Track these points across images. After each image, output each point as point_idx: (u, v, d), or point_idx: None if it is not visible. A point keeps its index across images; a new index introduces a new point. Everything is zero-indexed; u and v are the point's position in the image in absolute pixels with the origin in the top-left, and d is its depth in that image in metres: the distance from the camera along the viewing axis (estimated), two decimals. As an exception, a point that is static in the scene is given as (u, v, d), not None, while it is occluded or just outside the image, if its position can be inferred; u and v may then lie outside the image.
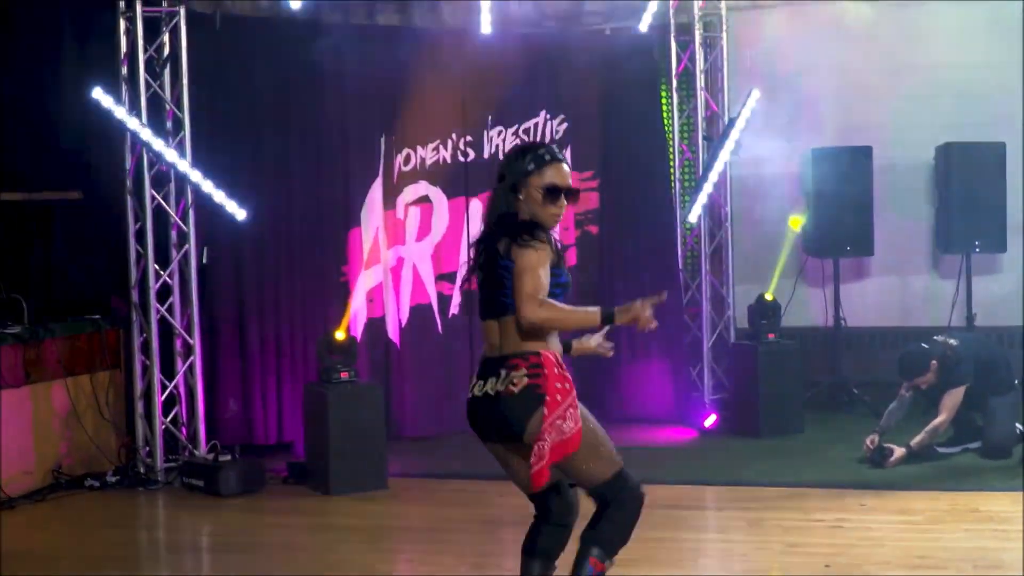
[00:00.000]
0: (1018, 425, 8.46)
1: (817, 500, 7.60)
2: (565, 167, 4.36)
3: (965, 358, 8.38)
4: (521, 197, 4.32)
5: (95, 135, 8.69)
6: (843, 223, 10.05)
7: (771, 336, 9.61)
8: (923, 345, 8.50)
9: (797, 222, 10.10)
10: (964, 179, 9.81)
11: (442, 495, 7.98)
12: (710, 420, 9.78)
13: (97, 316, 8.91)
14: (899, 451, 8.23)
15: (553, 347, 4.34)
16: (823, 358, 10.31)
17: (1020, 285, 10.19)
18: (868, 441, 8.42)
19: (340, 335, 8.30)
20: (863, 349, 10.45)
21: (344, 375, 8.14)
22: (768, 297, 9.77)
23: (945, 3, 10.25)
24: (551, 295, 4.17)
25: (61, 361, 8.54)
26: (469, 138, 9.45)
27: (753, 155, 10.27)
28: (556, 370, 4.25)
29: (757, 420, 9.48)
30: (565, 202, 4.34)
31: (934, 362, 8.33)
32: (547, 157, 4.33)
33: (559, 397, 4.19)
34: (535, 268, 4.09)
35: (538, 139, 9.63)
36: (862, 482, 7.97)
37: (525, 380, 4.20)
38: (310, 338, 8.88)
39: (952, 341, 8.56)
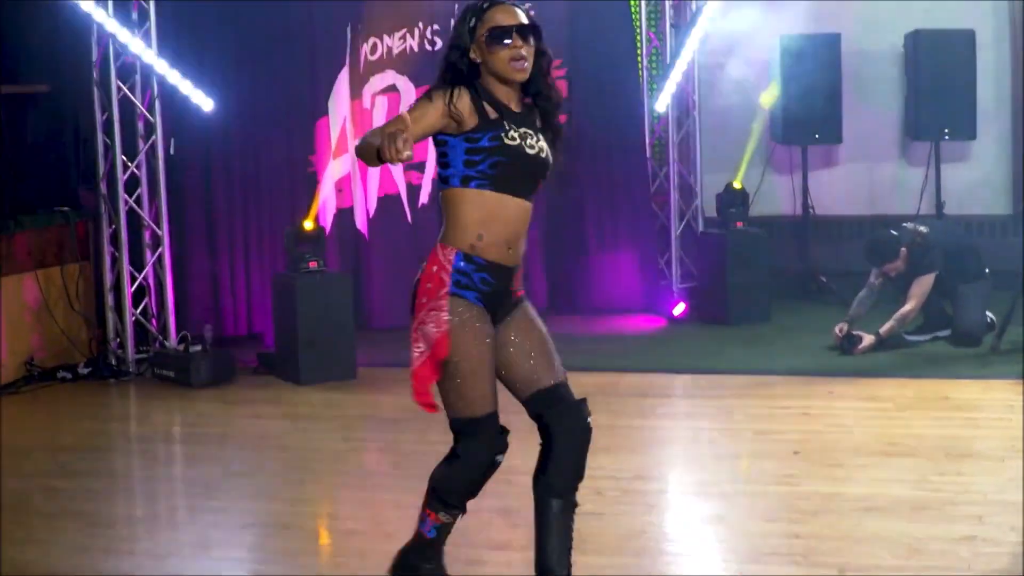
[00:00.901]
0: (988, 313, 8.52)
1: (785, 387, 7.69)
2: (512, 7, 3.76)
3: (934, 245, 8.41)
4: (477, 59, 3.78)
5: (60, 27, 8.59)
6: (811, 110, 10.03)
7: (739, 224, 9.64)
8: (892, 232, 8.54)
9: (769, 99, 10.06)
10: (934, 66, 9.79)
11: (405, 381, 7.94)
12: (679, 309, 9.82)
13: (66, 208, 8.89)
14: (868, 339, 8.30)
15: (471, 240, 3.74)
16: (791, 246, 10.36)
17: (990, 173, 10.21)
18: (837, 329, 8.47)
19: (308, 225, 8.28)
20: (831, 237, 10.48)
21: (312, 265, 8.14)
22: (736, 185, 9.77)
23: None
24: (471, 162, 3.71)
25: (31, 254, 8.54)
26: (436, 27, 9.34)
27: (721, 43, 10.18)
28: (435, 268, 3.77)
29: (725, 308, 9.54)
30: (519, 41, 3.67)
31: (903, 249, 8.36)
32: (486, 4, 3.78)
33: (425, 299, 3.77)
34: (404, 112, 3.60)
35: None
36: (830, 369, 8.06)
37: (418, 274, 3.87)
38: (278, 229, 8.83)
39: (922, 228, 8.59)
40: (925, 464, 6.06)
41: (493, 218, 3.76)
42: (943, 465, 6.03)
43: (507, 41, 3.67)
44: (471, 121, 3.71)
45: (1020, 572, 2.95)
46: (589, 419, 3.91)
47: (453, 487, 3.92)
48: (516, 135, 3.76)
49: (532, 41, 3.74)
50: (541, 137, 3.85)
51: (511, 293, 3.91)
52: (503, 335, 3.89)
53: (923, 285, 8.34)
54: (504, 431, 3.92)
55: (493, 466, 3.93)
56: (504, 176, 3.74)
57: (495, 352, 3.85)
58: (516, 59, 3.68)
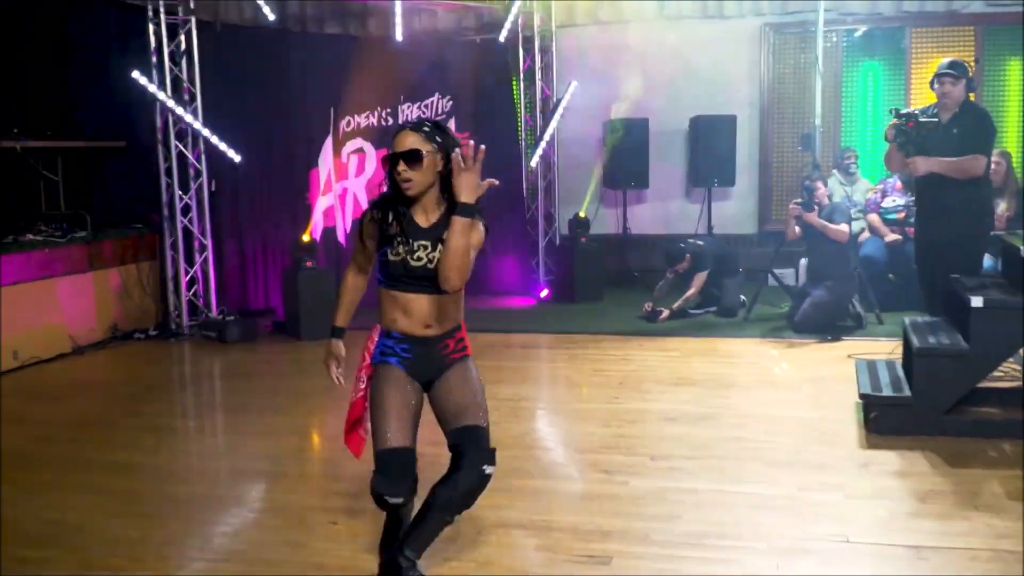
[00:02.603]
0: (741, 296, 8.71)
1: (612, 343, 7.79)
2: (405, 135, 3.18)
3: (708, 253, 8.61)
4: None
5: (133, 101, 8.45)
6: (629, 167, 10.11)
7: (584, 239, 9.73)
8: (681, 244, 8.71)
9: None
10: (708, 139, 9.92)
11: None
12: (544, 292, 9.90)
13: (139, 225, 8.74)
14: (665, 312, 8.44)
15: (388, 322, 3.29)
16: (616, 253, 10.43)
17: (743, 206, 10.44)
18: (645, 306, 8.62)
19: (306, 238, 8.25)
20: (641, 247, 10.57)
21: (308, 264, 8.12)
22: (581, 215, 9.88)
23: (697, 22, 10.29)
24: (383, 265, 3.26)
25: (114, 255, 8.38)
26: (388, 110, 9.33)
27: (571, 123, 10.28)
28: (368, 343, 3.38)
29: (573, 292, 9.62)
30: (403, 166, 3.13)
31: (688, 255, 8.53)
32: (394, 131, 3.27)
33: (358, 368, 3.42)
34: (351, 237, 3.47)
35: (431, 114, 9.52)
36: (640, 331, 8.16)
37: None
38: (285, 239, 8.79)
39: (700, 242, 8.78)
40: (704, 391, 6.22)
41: (402, 308, 3.25)
42: (715, 391, 6.20)
43: (395, 166, 3.16)
44: (378, 240, 3.26)
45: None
46: (489, 469, 3.25)
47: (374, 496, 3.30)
48: (402, 250, 3.20)
49: (423, 160, 3.15)
50: (434, 247, 3.20)
51: (441, 357, 3.34)
52: (438, 387, 3.34)
53: (700, 278, 8.52)
54: (406, 475, 3.26)
55: (383, 503, 3.28)
56: (396, 279, 3.24)
57: (412, 402, 3.30)
58: (401, 180, 3.15)
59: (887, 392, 5.28)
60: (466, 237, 3.07)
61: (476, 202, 3.07)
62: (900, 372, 5.67)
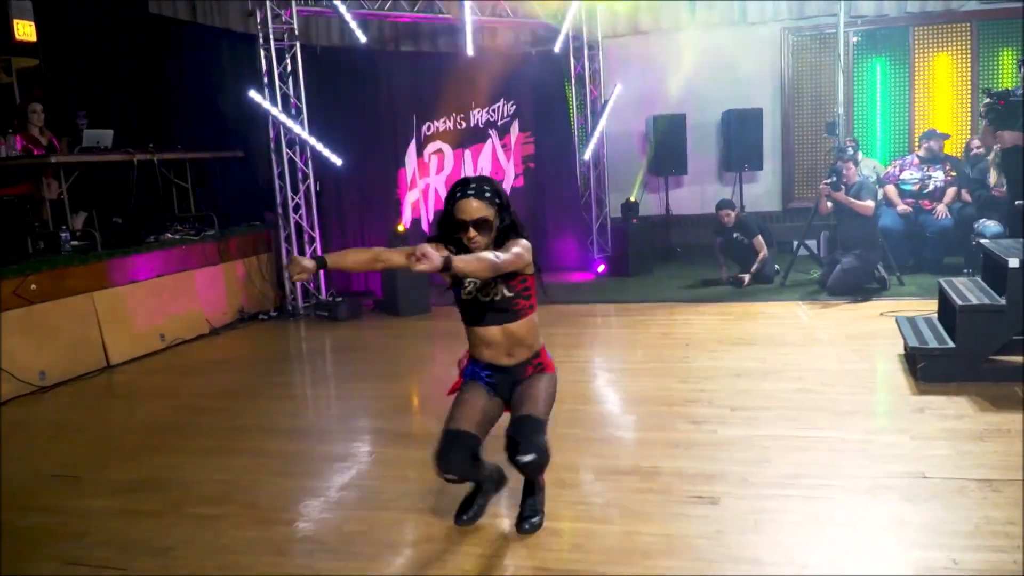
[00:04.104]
0: (776, 266, 8.49)
1: (670, 310, 7.61)
2: (469, 203, 3.00)
3: (753, 221, 8.44)
4: None
5: (248, 118, 8.40)
6: (670, 156, 9.93)
7: (634, 220, 9.55)
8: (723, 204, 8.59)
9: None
10: (738, 129, 9.71)
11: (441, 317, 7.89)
12: (601, 268, 9.73)
13: (257, 223, 8.72)
14: (747, 276, 8.23)
15: (475, 353, 3.24)
16: (661, 231, 10.24)
17: (768, 187, 10.20)
18: (723, 274, 8.44)
19: (400, 228, 8.16)
20: (682, 226, 10.39)
21: (404, 250, 8.00)
22: (632, 199, 9.70)
23: (725, 28, 10.02)
24: (460, 305, 3.20)
25: (239, 249, 8.35)
26: (461, 115, 9.19)
27: (617, 120, 10.07)
28: (461, 363, 3.33)
29: (627, 267, 9.44)
30: (472, 232, 3.00)
31: (734, 210, 8.41)
32: (457, 194, 3.05)
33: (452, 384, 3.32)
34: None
35: (497, 117, 9.40)
36: (692, 299, 7.97)
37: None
38: (379, 229, 8.66)
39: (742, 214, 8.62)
40: (762, 349, 6.05)
41: (481, 340, 3.17)
42: (772, 349, 6.02)
43: (464, 233, 3.01)
44: (450, 279, 3.11)
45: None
46: (526, 458, 2.98)
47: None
48: (472, 289, 3.11)
49: (485, 225, 3.01)
50: (501, 285, 3.09)
51: (518, 377, 3.21)
52: (514, 393, 3.21)
53: (760, 241, 8.30)
54: (463, 455, 3.08)
55: (443, 476, 3.11)
56: (470, 316, 3.17)
57: (486, 406, 3.19)
58: (471, 243, 3.01)
59: (932, 344, 5.08)
60: (472, 264, 2.80)
61: (444, 264, 2.71)
62: (939, 326, 5.46)
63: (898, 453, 3.98)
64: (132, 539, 3.57)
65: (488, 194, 3.04)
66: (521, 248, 3.01)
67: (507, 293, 3.12)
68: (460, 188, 3.05)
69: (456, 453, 3.06)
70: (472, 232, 3.00)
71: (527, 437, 3.01)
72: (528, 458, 2.97)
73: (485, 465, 3.31)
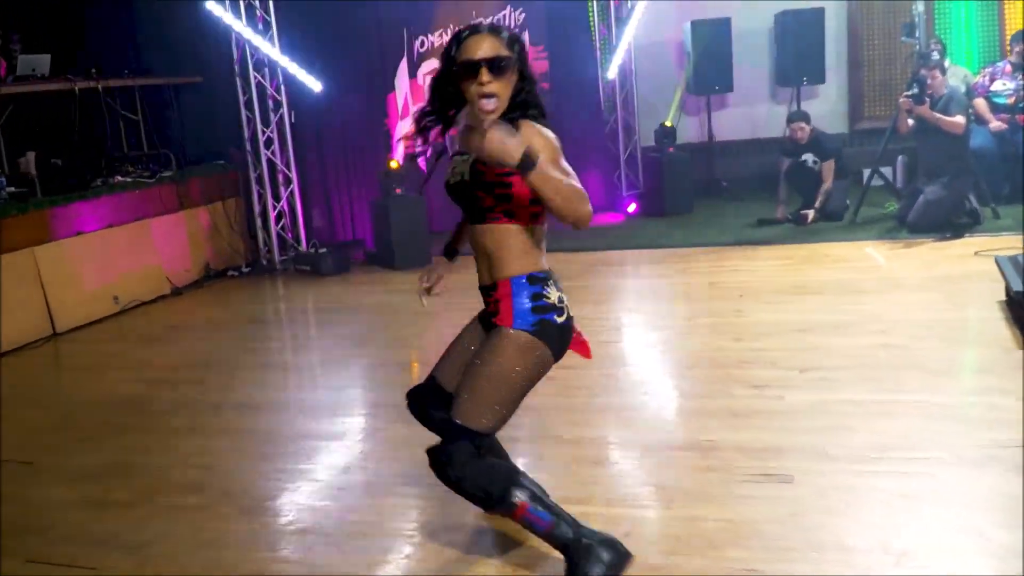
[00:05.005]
0: (846, 201, 8.37)
1: (717, 255, 7.53)
2: (482, 39, 2.61)
3: (830, 140, 8.37)
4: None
5: (207, 34, 8.28)
6: (712, 70, 9.76)
7: (671, 149, 9.43)
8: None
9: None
10: (795, 36, 9.53)
11: (468, 264, 7.82)
12: (631, 207, 9.64)
13: (222, 162, 8.65)
14: (811, 212, 8.15)
15: None
16: (701, 162, 10.10)
17: (834, 105, 10.04)
18: (779, 212, 8.37)
19: (394, 164, 8.06)
20: (727, 155, 10.28)
21: (398, 191, 7.93)
22: (667, 124, 9.57)
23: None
24: None
25: (202, 193, 8.31)
26: (461, 26, 9.01)
27: (649, 29, 9.89)
28: None
29: (663, 205, 9.36)
30: (487, 76, 2.57)
31: (805, 124, 8.30)
32: (465, 32, 2.67)
33: None
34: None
35: (504, 25, 9.25)
36: (742, 241, 7.89)
37: None
38: (367, 167, 8.67)
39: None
40: (831, 298, 5.99)
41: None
42: (843, 298, 5.96)
43: (476, 76, 2.58)
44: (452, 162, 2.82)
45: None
46: (435, 468, 2.71)
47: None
48: (452, 169, 2.77)
49: (508, 69, 2.61)
50: (469, 158, 2.67)
51: (488, 313, 2.82)
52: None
53: (829, 167, 8.23)
54: (418, 399, 3.01)
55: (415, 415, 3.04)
56: (455, 203, 2.82)
57: (467, 344, 2.93)
58: (483, 96, 2.58)
59: (1040, 288, 5.01)
60: (551, 180, 2.40)
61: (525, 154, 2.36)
62: (1047, 266, 5.39)
63: (1003, 417, 3.92)
64: (101, 533, 3.57)
65: (506, 36, 2.67)
66: (551, 150, 2.56)
67: (467, 177, 2.71)
68: (468, 28, 2.68)
69: (415, 397, 3.04)
70: (486, 75, 2.58)
71: (439, 448, 2.73)
72: (434, 469, 2.73)
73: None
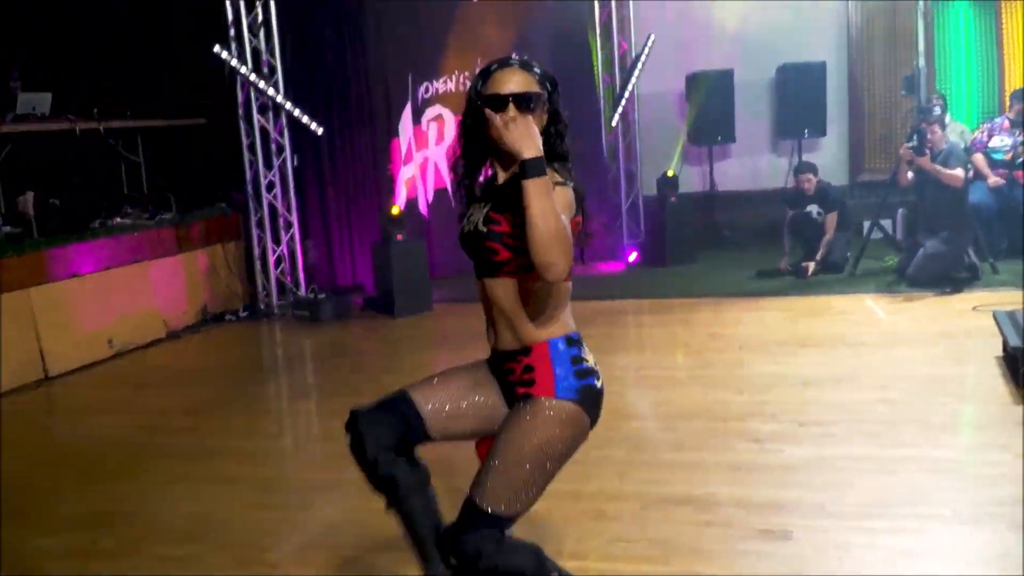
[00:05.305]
0: (847, 253, 8.41)
1: (719, 306, 7.54)
2: (512, 73, 2.43)
3: (834, 192, 8.50)
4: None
5: (211, 79, 8.35)
6: (714, 121, 9.86)
7: (672, 199, 9.48)
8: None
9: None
10: (796, 88, 9.65)
11: (470, 312, 7.82)
12: (632, 256, 9.67)
13: (223, 204, 8.70)
14: (812, 264, 8.19)
15: None
16: (704, 212, 10.16)
17: (833, 158, 10.10)
18: (781, 263, 8.40)
19: (395, 210, 8.09)
20: (729, 205, 10.32)
21: (399, 237, 7.96)
22: (670, 173, 9.61)
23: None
24: None
25: (201, 236, 8.34)
26: (466, 73, 9.15)
27: (651, 78, 10.00)
28: None
29: (665, 255, 9.38)
30: (514, 111, 2.36)
31: (813, 176, 8.38)
32: (493, 66, 2.48)
33: None
34: None
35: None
36: (744, 292, 7.92)
37: None
38: (369, 212, 8.71)
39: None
40: (832, 351, 6.02)
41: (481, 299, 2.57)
42: (844, 351, 5.99)
43: (504, 112, 2.38)
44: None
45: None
46: (452, 562, 2.45)
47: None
48: (467, 218, 2.52)
49: (538, 107, 2.42)
50: (495, 210, 2.42)
51: (508, 384, 2.54)
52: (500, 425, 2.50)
53: (833, 219, 8.28)
54: (368, 425, 2.67)
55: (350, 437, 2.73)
56: (468, 255, 2.53)
57: (466, 386, 2.64)
58: (504, 130, 2.30)
59: (1039, 344, 5.03)
60: (547, 200, 2.19)
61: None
62: (1046, 322, 5.41)
63: (1002, 473, 3.93)
64: (86, 585, 3.55)
65: (539, 71, 2.48)
66: (567, 201, 2.36)
67: (480, 226, 2.45)
68: (497, 61, 2.49)
69: (374, 414, 2.65)
70: (512, 111, 2.37)
71: (455, 529, 2.45)
72: (453, 563, 2.45)
73: (417, 479, 2.71)
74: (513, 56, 2.50)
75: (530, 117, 2.35)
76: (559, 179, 2.36)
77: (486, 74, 2.47)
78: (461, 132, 2.56)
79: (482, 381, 2.63)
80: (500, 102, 2.39)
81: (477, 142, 2.50)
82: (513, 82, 2.42)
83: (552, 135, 2.48)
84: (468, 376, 2.66)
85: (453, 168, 2.60)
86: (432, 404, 2.63)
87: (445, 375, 2.69)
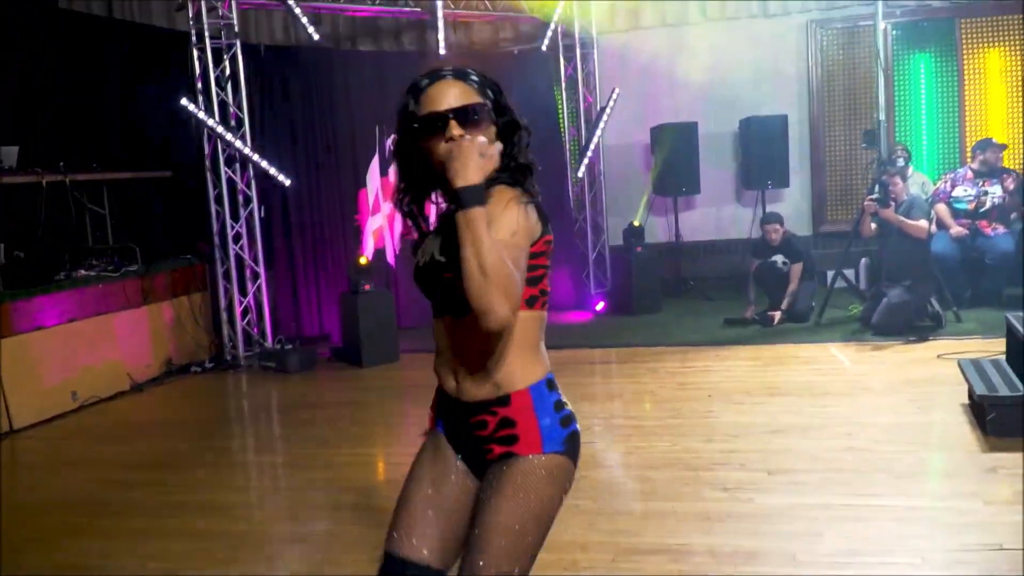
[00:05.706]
0: (812, 303, 8.52)
1: (686, 355, 7.58)
2: (447, 85, 2.12)
3: (800, 244, 8.64)
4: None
5: (177, 131, 8.39)
6: (679, 172, 9.98)
7: (639, 249, 9.57)
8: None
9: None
10: (759, 140, 9.80)
11: (413, 364, 7.84)
12: (600, 305, 9.75)
13: (189, 256, 8.67)
14: (778, 313, 8.29)
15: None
16: (670, 261, 10.29)
17: (796, 209, 10.26)
18: (747, 312, 8.46)
19: (363, 260, 8.11)
20: (694, 254, 10.47)
21: (367, 287, 7.97)
22: (636, 223, 9.74)
23: (742, 22, 10.20)
24: None
25: (167, 288, 8.29)
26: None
27: (616, 131, 10.17)
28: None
29: (631, 304, 9.45)
30: (457, 128, 2.08)
31: (780, 226, 8.51)
32: (424, 81, 2.15)
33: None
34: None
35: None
36: (712, 341, 7.97)
37: None
38: (336, 262, 8.76)
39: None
40: (800, 400, 6.06)
41: (437, 345, 2.26)
42: (812, 400, 6.03)
43: (435, 137, 2.11)
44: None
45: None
46: None
47: None
48: (420, 251, 2.24)
49: (483, 119, 2.14)
50: (439, 238, 2.16)
51: (475, 440, 2.19)
52: (479, 495, 2.17)
53: (797, 270, 8.39)
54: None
55: None
56: (428, 298, 2.24)
57: (445, 491, 2.24)
58: (450, 155, 2.03)
59: (1003, 392, 5.11)
60: (481, 235, 1.93)
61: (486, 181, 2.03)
62: (1008, 370, 5.51)
63: (970, 521, 3.98)
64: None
65: (477, 79, 2.19)
66: (514, 222, 2.05)
67: (438, 256, 2.16)
68: (427, 75, 2.17)
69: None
70: (456, 130, 2.08)
71: None
72: None
73: None
74: (445, 67, 2.18)
75: (480, 135, 2.07)
76: (523, 197, 2.11)
77: (417, 91, 2.14)
78: (398, 161, 2.22)
79: (443, 471, 2.27)
80: (438, 121, 2.09)
81: (419, 168, 2.19)
82: (451, 95, 2.12)
83: (511, 144, 2.20)
84: (427, 476, 2.27)
85: (397, 204, 2.27)
86: (426, 537, 2.23)
87: (414, 491, 2.27)
